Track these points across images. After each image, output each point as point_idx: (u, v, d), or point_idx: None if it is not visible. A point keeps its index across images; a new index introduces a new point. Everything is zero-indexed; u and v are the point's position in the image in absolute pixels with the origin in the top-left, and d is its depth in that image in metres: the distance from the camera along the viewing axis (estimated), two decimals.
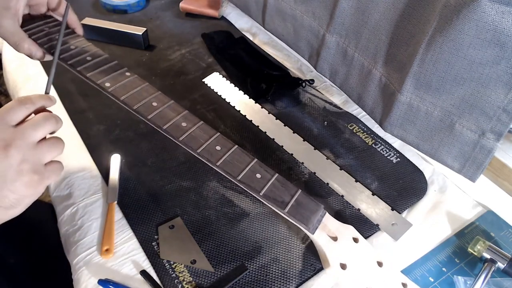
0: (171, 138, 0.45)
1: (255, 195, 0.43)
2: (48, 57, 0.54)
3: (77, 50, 0.51)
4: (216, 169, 0.44)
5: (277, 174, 0.44)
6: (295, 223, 0.43)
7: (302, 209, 0.43)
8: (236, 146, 0.45)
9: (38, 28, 0.53)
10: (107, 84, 0.47)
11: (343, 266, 0.42)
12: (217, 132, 0.46)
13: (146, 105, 0.46)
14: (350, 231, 0.45)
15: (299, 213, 0.43)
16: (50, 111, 0.42)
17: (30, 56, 0.53)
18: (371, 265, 0.42)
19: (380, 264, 0.42)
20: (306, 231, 0.43)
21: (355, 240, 0.44)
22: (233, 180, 0.43)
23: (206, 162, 0.44)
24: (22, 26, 0.52)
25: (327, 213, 0.45)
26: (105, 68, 0.50)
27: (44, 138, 0.39)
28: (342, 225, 0.45)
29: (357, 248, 0.43)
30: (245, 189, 0.43)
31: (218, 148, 0.44)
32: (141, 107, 0.46)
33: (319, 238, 0.44)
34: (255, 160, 0.45)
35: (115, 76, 0.49)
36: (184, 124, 0.46)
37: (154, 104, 0.47)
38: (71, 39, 0.54)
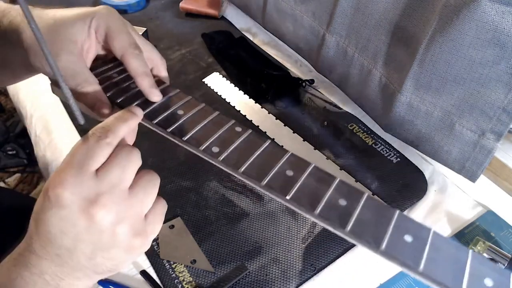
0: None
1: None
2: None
3: (160, 104, 0.38)
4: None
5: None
6: None
7: None
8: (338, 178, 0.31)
9: (107, 74, 0.40)
10: (215, 150, 0.33)
11: None
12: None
13: (278, 176, 0.31)
14: None
15: None
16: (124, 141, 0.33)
17: (92, 108, 0.37)
18: None
19: None
20: None
21: None
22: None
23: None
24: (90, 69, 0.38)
25: None
26: (206, 125, 0.35)
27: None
28: None
29: None
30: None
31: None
32: (273, 180, 0.30)
33: None
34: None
35: (224, 135, 0.34)
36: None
37: (291, 173, 0.31)
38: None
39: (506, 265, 0.50)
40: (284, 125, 0.69)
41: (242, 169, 0.32)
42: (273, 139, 0.67)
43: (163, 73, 0.43)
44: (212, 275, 0.50)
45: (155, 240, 0.53)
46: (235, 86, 0.77)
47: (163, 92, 0.38)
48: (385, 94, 0.60)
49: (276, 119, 0.70)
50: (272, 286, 0.50)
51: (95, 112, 0.38)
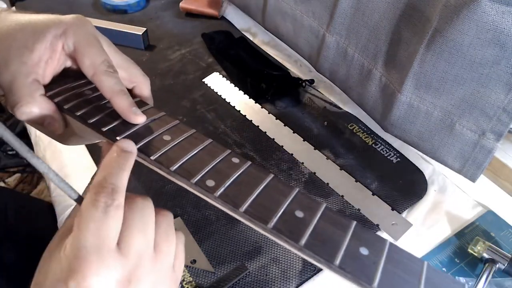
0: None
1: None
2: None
3: (144, 126, 0.33)
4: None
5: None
6: None
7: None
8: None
9: (79, 90, 0.35)
10: (210, 183, 0.29)
11: None
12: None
13: (288, 219, 0.27)
14: None
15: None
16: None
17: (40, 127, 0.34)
18: None
19: None
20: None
21: None
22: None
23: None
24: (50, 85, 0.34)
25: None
26: (198, 154, 0.31)
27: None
28: None
29: None
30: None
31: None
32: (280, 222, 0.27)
33: None
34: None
35: (219, 166, 0.30)
36: None
37: (300, 215, 0.27)
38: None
39: (506, 265, 0.50)
40: (284, 125, 0.69)
41: (244, 207, 0.28)
42: (273, 139, 0.67)
43: (146, 92, 0.39)
44: (212, 275, 0.50)
45: None
46: (235, 86, 0.77)
47: (146, 114, 0.33)
48: (385, 94, 0.60)
49: (276, 119, 0.70)
50: (272, 286, 0.50)
51: (46, 132, 0.33)
